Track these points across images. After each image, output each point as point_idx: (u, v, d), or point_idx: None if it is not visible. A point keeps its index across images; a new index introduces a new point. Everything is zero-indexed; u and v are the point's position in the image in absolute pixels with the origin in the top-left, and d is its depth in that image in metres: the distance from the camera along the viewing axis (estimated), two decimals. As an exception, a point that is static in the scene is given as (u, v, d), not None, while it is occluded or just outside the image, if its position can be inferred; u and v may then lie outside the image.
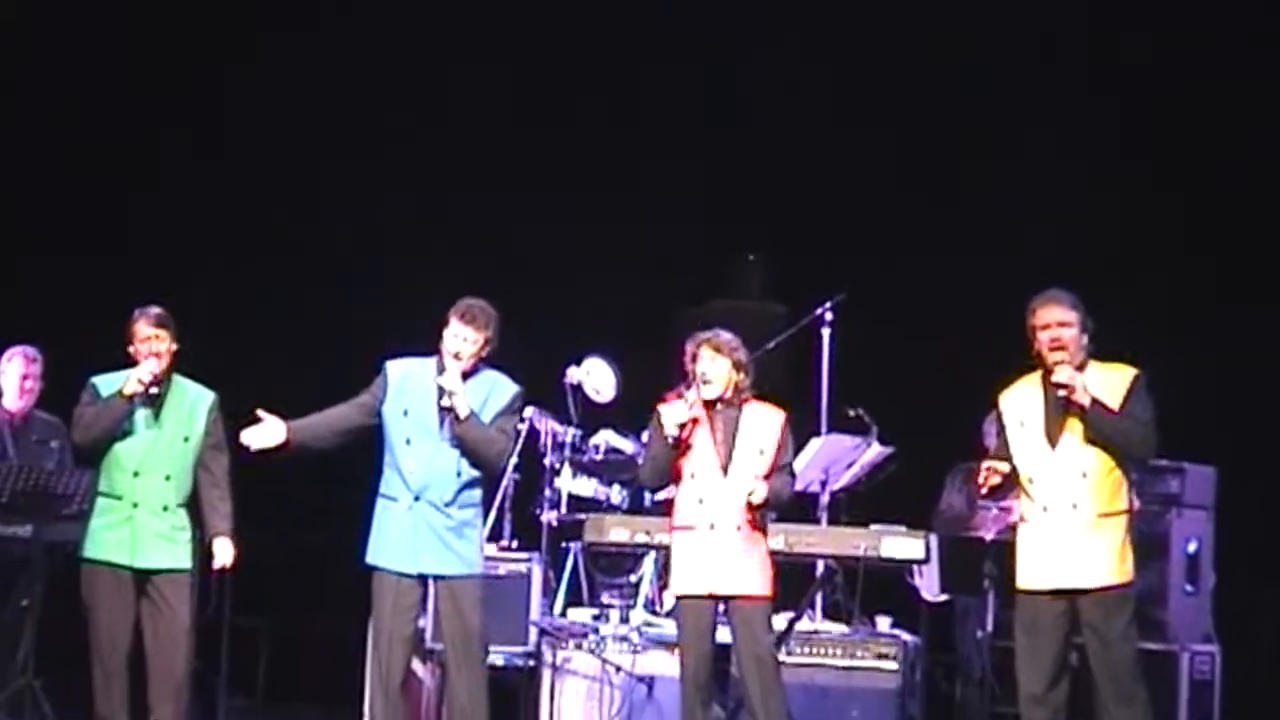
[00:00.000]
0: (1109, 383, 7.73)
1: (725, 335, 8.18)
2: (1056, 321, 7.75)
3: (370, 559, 8.15)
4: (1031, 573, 7.80)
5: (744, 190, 11.63)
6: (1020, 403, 7.87)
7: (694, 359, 8.16)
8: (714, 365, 8.11)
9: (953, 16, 11.49)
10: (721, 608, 8.08)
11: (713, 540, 8.03)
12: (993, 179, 11.46)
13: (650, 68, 11.96)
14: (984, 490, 7.93)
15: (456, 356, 8.09)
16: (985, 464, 7.91)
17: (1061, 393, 7.67)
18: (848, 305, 10.17)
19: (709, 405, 8.10)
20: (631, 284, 11.56)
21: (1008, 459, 7.84)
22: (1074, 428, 7.70)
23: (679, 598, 8.15)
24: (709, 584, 8.03)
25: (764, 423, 8.16)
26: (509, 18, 11.94)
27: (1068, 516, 7.70)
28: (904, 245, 11.47)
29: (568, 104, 11.95)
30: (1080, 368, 7.72)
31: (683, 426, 8.03)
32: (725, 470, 8.06)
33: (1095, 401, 7.65)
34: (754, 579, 8.05)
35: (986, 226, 11.41)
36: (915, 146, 11.57)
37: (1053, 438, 7.75)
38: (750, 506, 8.01)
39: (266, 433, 8.12)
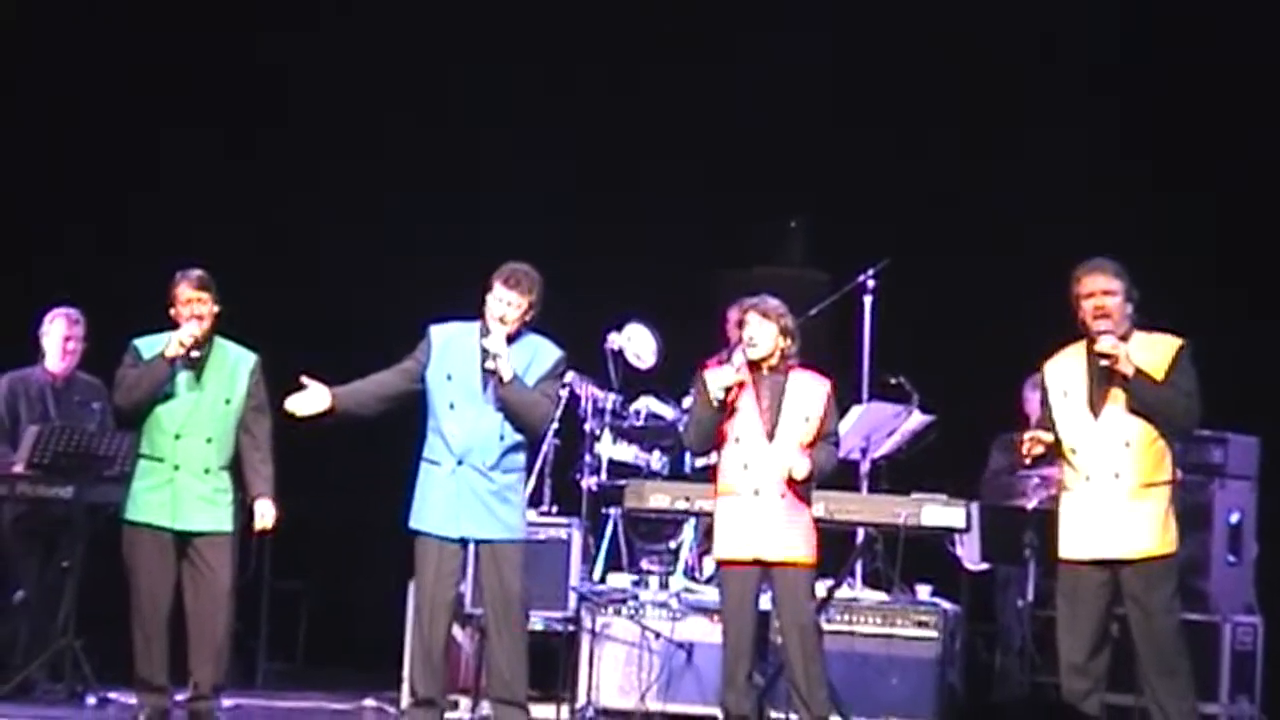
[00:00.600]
0: (1153, 352, 7.68)
1: (772, 301, 8.16)
2: (1100, 290, 7.70)
3: (413, 524, 8.14)
4: (1074, 542, 7.76)
5: (785, 154, 11.58)
6: (1064, 372, 7.83)
7: (741, 324, 8.14)
8: (761, 330, 8.09)
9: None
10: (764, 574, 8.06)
11: (757, 506, 8.01)
12: (1036, 145, 11.41)
13: (686, 29, 11.92)
14: (1027, 460, 7.90)
15: (501, 320, 8.08)
16: (1028, 434, 7.87)
17: (1104, 362, 7.62)
18: (889, 272, 10.13)
19: (755, 370, 8.08)
20: (672, 250, 11.53)
21: (1051, 428, 7.80)
22: (1117, 397, 7.65)
23: (722, 563, 8.14)
24: (753, 549, 8.01)
25: (809, 390, 8.14)
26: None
27: (1110, 486, 7.66)
28: (945, 212, 11.42)
29: (615, 64, 11.90)
30: (1124, 337, 7.67)
31: (729, 390, 8.01)
32: (771, 437, 8.04)
33: (1138, 371, 7.60)
34: (798, 545, 8.03)
35: (1028, 192, 11.36)
36: (958, 109, 11.51)
37: (1095, 407, 7.70)
38: (792, 479, 7.99)
39: (311, 399, 8.12)
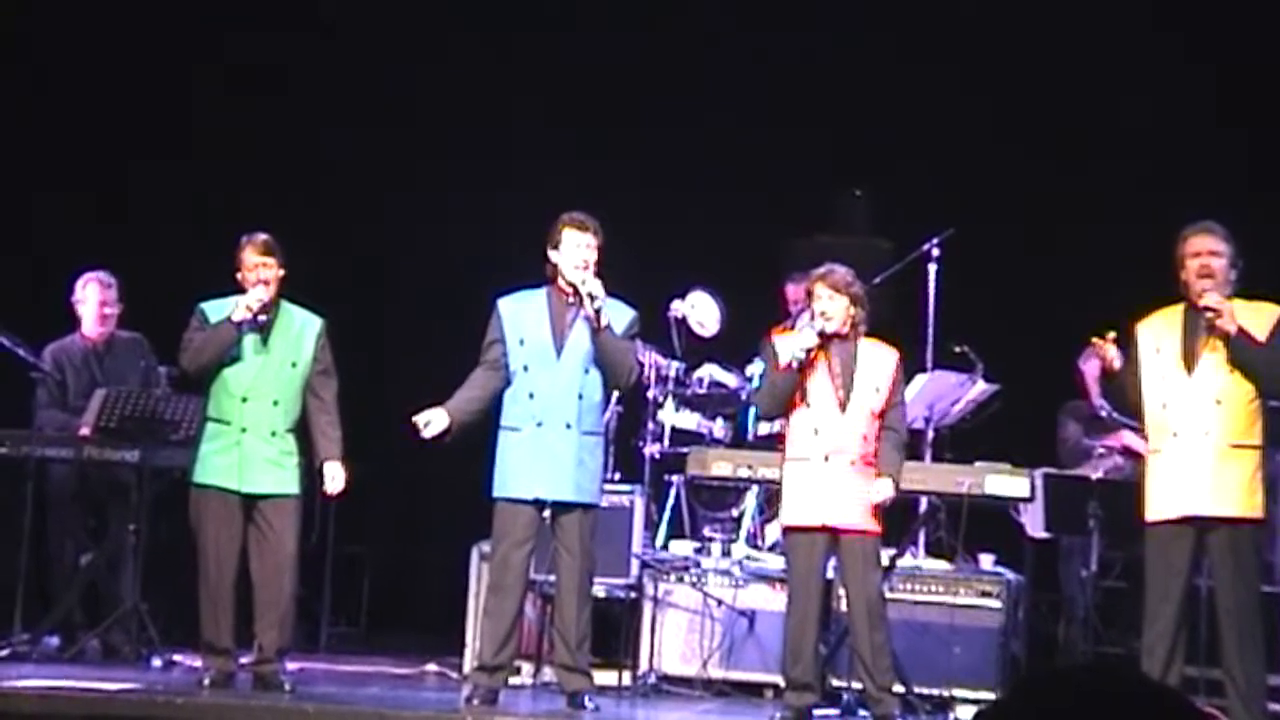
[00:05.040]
0: (1253, 318, 7.65)
1: (841, 271, 8.14)
2: (1207, 250, 7.68)
3: (496, 492, 8.15)
4: (1159, 502, 7.71)
5: (850, 123, 11.54)
6: (1158, 330, 7.80)
7: (811, 296, 8.12)
8: (833, 305, 8.06)
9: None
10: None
11: (826, 472, 8.00)
12: (1109, 111, 11.33)
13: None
14: (1115, 364, 7.80)
15: (585, 266, 8.08)
16: (1109, 337, 7.83)
17: (1208, 315, 7.58)
18: (954, 241, 10.08)
19: (825, 338, 8.06)
20: (737, 217, 11.51)
21: (1136, 386, 7.75)
22: (1212, 355, 7.63)
23: (789, 529, 8.13)
24: (821, 516, 8.00)
25: (879, 360, 8.13)
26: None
27: (1198, 443, 7.62)
28: (1011, 180, 11.36)
29: (679, 31, 11.86)
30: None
31: (809, 351, 7.99)
32: (844, 406, 8.03)
33: (1241, 330, 7.57)
34: (866, 514, 8.03)
35: (1095, 161, 11.29)
36: (1028, 76, 11.44)
37: (1190, 364, 7.68)
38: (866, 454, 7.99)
39: (435, 423, 8.12)
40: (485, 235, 11.13)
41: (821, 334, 8.03)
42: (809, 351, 7.98)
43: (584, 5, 11.90)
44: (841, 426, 8.02)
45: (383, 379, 9.68)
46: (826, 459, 8.01)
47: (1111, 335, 7.83)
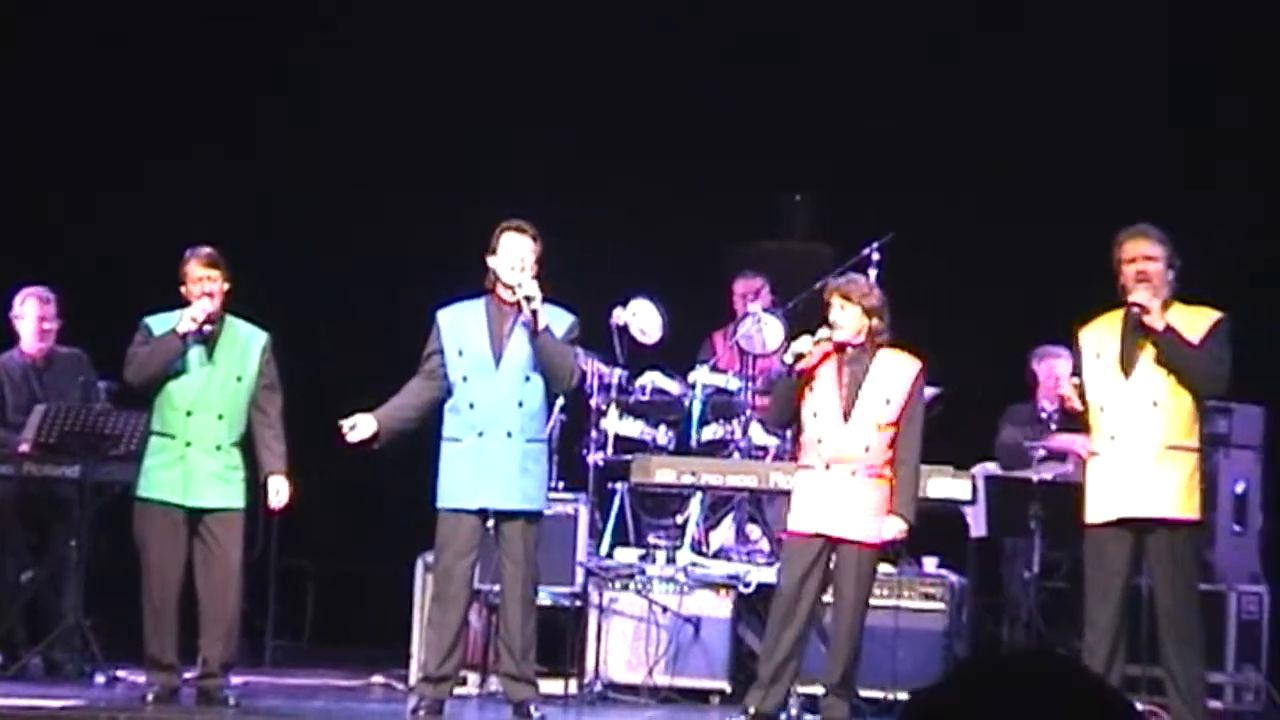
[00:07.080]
0: (1191, 322, 7.71)
1: (860, 281, 8.16)
2: (1142, 255, 7.73)
3: (440, 503, 8.17)
4: (1098, 504, 7.76)
5: (790, 128, 11.57)
6: (1099, 335, 7.85)
7: (825, 306, 8.09)
8: (844, 315, 8.03)
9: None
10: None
11: (827, 481, 8.00)
12: (1045, 114, 11.39)
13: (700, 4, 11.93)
14: (1074, 405, 7.85)
15: (523, 267, 8.09)
16: (1071, 382, 7.87)
17: (1136, 310, 7.62)
18: (894, 245, 10.11)
19: (840, 349, 8.04)
20: (678, 225, 11.51)
21: (1081, 394, 7.81)
22: (1149, 359, 7.67)
23: (787, 534, 8.16)
24: (818, 524, 8.00)
25: (895, 371, 8.09)
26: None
27: (1136, 445, 7.66)
28: (951, 184, 11.41)
29: (616, 35, 11.88)
30: (1165, 305, 7.68)
31: (799, 357, 7.97)
32: (846, 416, 8.01)
33: (1170, 328, 7.61)
34: (865, 524, 7.99)
35: (1035, 165, 11.35)
36: (966, 81, 11.48)
37: (1127, 367, 7.72)
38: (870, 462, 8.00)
39: (360, 429, 8.14)
40: (429, 247, 11.10)
41: (831, 342, 8.00)
42: (799, 358, 7.96)
43: (543, 23, 11.89)
44: (844, 436, 8.00)
45: (326, 393, 9.65)
46: (828, 467, 8.01)
47: (1075, 381, 7.87)
